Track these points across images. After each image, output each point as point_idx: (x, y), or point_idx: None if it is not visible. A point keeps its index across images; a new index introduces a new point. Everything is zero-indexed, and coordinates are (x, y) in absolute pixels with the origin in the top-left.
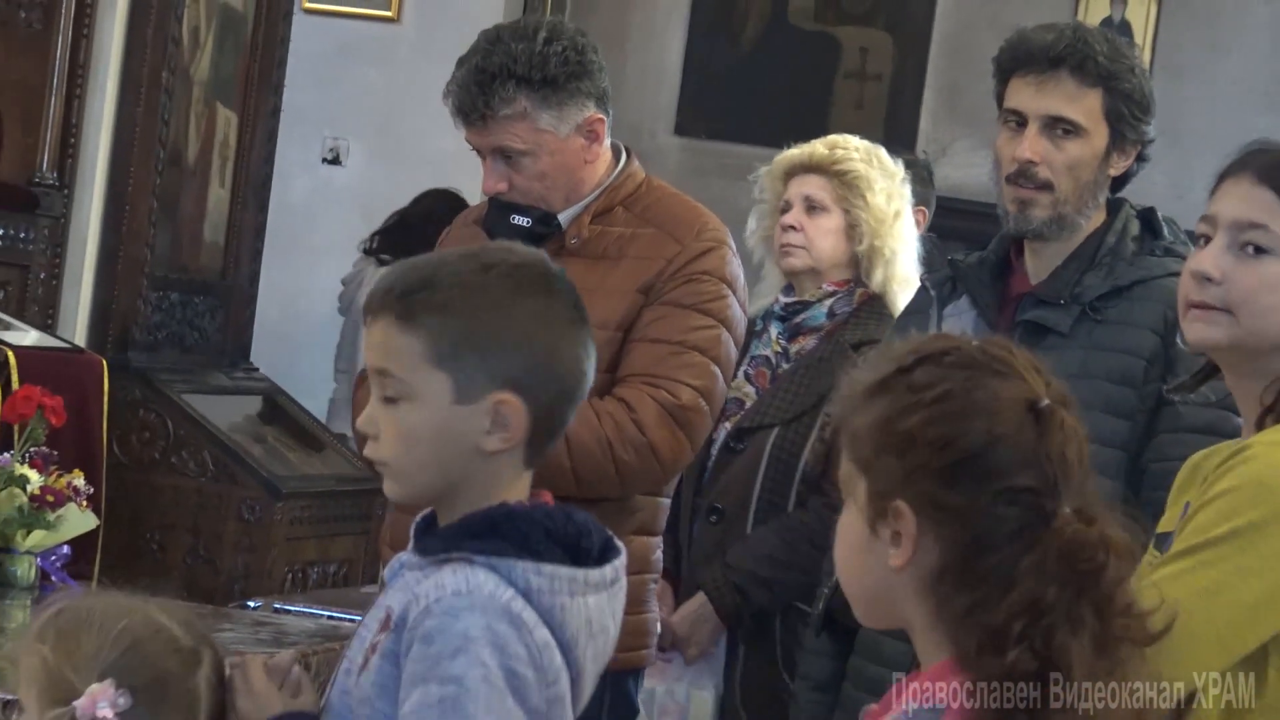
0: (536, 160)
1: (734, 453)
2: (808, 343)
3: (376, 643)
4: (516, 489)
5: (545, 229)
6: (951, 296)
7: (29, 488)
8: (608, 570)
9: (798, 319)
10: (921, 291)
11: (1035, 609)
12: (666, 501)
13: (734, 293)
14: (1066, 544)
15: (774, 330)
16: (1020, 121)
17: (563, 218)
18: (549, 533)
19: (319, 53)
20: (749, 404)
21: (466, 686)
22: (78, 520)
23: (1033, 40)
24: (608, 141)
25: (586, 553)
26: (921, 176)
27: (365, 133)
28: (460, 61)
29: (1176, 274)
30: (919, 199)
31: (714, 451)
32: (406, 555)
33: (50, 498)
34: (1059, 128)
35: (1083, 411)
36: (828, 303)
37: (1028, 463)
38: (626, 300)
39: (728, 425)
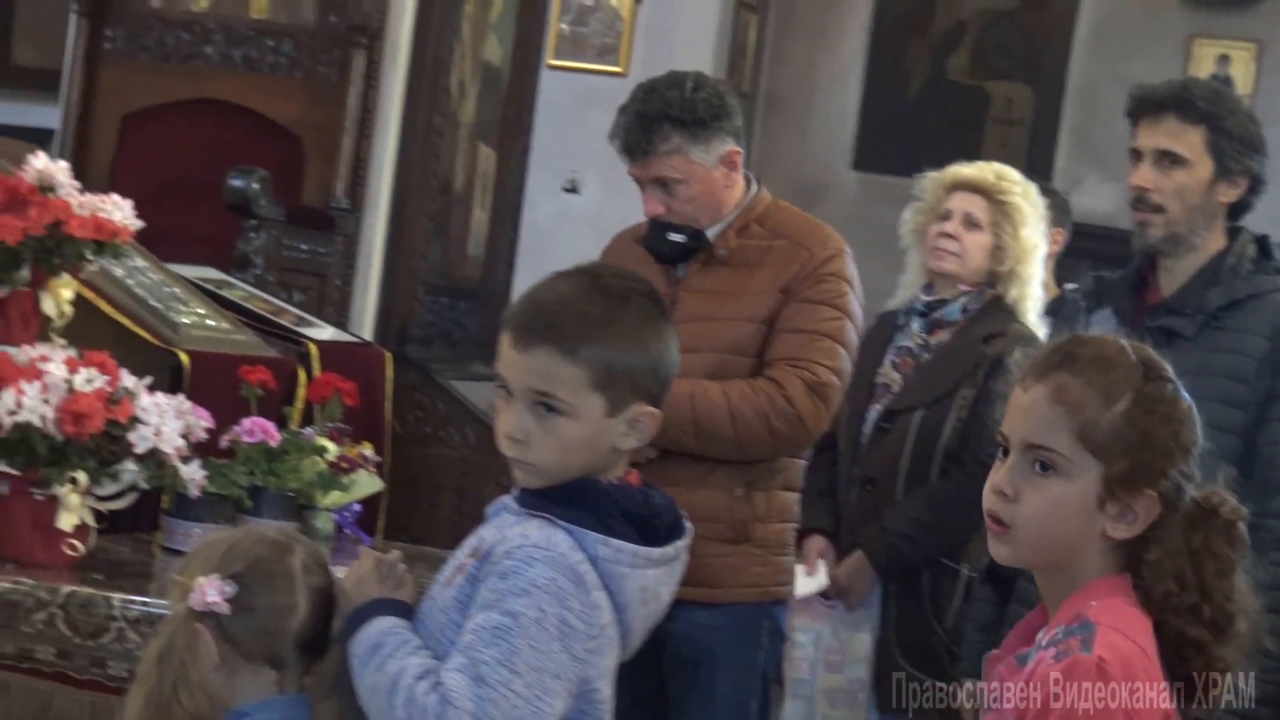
0: (689, 187)
1: (884, 431)
2: (944, 335)
3: (464, 564)
4: (617, 468)
5: (696, 243)
6: (1096, 307)
7: (327, 456)
8: (669, 549)
9: (935, 314)
10: (1071, 302)
11: (1225, 571)
12: (804, 463)
13: (853, 290)
14: (1226, 522)
15: (915, 325)
16: (1139, 158)
17: (710, 233)
18: (624, 511)
19: (561, 101)
20: (895, 389)
21: (520, 623)
22: (367, 483)
23: (1147, 91)
24: (741, 171)
25: (656, 530)
26: (1060, 205)
27: (598, 167)
28: (621, 109)
29: None
30: (1057, 223)
31: (866, 430)
32: (508, 499)
33: (345, 464)
34: (1167, 160)
35: (1203, 403)
36: (962, 300)
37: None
38: (769, 299)
39: (878, 407)
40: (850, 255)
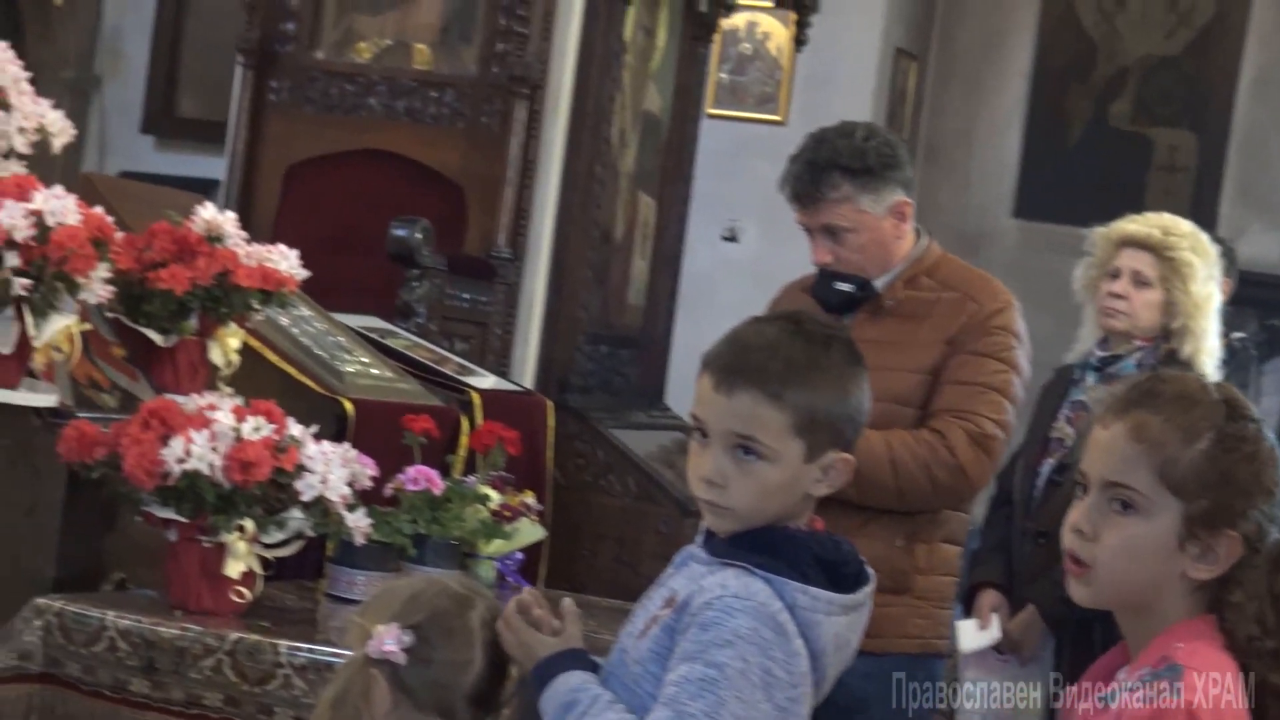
0: (857, 236)
1: (1057, 485)
2: None
3: (659, 616)
4: (805, 514)
5: (864, 293)
6: (1269, 355)
7: (490, 504)
8: (859, 595)
9: (1110, 369)
10: (1242, 351)
11: None
12: (967, 516)
13: (1021, 344)
14: None
15: (1090, 379)
16: None
17: (878, 284)
18: (817, 558)
19: (721, 150)
20: (1069, 443)
21: (726, 674)
22: (529, 531)
23: None
24: (911, 222)
25: (845, 577)
26: (1226, 253)
27: (757, 215)
28: (792, 158)
29: None
30: (1224, 272)
31: (1039, 484)
32: (695, 549)
33: (507, 513)
34: None
35: None
36: (1137, 355)
37: None
38: (935, 350)
39: (1052, 461)
40: (1019, 309)
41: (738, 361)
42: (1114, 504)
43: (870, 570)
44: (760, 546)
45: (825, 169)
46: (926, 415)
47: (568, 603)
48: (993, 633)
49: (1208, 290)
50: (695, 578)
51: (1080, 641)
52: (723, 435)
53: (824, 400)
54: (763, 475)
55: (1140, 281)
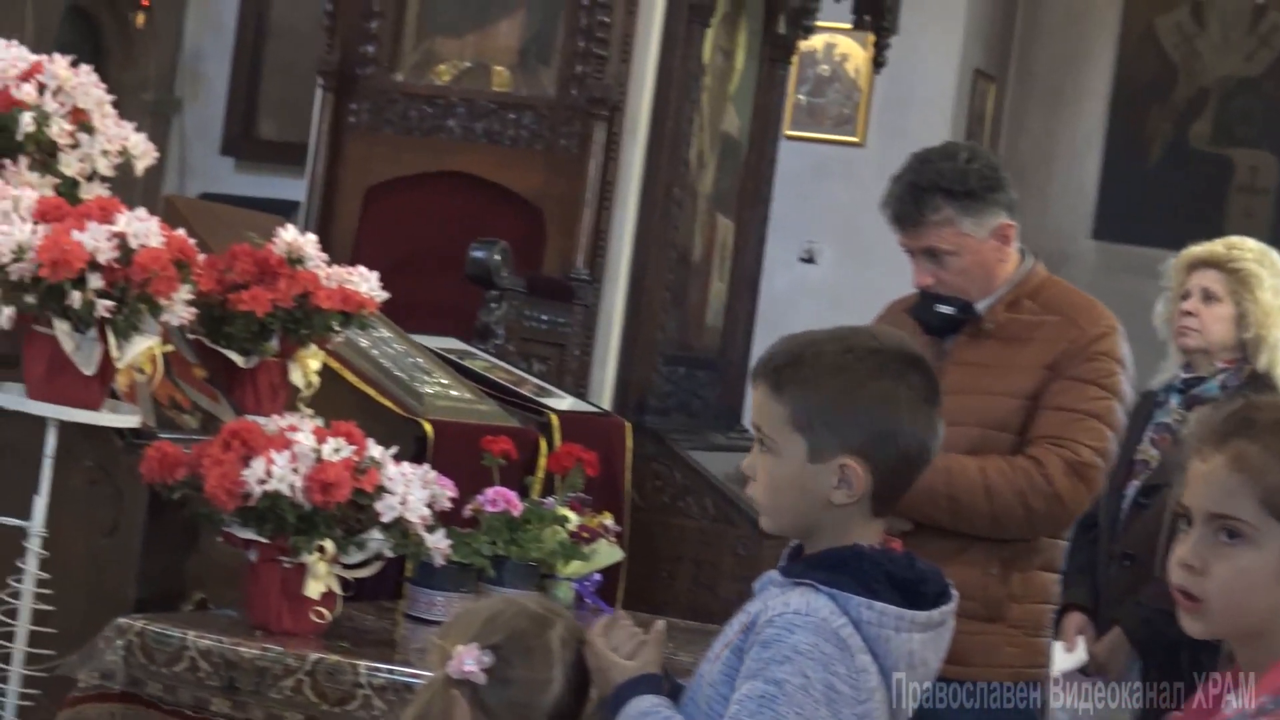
0: (959, 259)
1: (1143, 508)
2: None
3: (732, 640)
4: (868, 533)
5: (965, 316)
6: None
7: (568, 525)
8: (935, 614)
9: (1194, 391)
10: None
11: None
12: (1064, 543)
13: (1124, 370)
14: None
15: (1174, 401)
16: None
17: (979, 306)
18: (889, 575)
19: (798, 171)
20: (1154, 465)
21: (785, 690)
22: (607, 553)
23: None
24: (1016, 244)
25: (923, 595)
26: None
27: (835, 238)
28: (895, 179)
29: None
30: None
31: (1125, 506)
32: (774, 573)
33: (585, 534)
34: None
35: None
36: (1220, 377)
37: None
38: (1035, 375)
39: (1137, 483)
40: (1123, 334)
41: (765, 356)
42: (1220, 535)
43: (953, 591)
44: (829, 564)
45: (927, 191)
46: (1025, 441)
47: (660, 625)
48: (1079, 655)
49: (1279, 301)
50: (768, 599)
51: (1167, 664)
52: (753, 428)
53: (822, 400)
54: (771, 468)
55: (1209, 297)
